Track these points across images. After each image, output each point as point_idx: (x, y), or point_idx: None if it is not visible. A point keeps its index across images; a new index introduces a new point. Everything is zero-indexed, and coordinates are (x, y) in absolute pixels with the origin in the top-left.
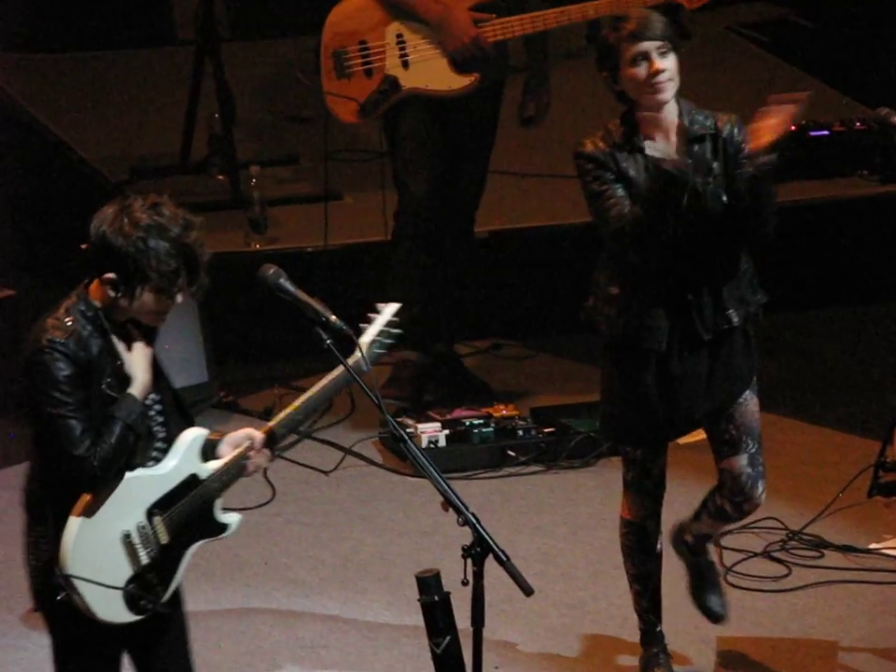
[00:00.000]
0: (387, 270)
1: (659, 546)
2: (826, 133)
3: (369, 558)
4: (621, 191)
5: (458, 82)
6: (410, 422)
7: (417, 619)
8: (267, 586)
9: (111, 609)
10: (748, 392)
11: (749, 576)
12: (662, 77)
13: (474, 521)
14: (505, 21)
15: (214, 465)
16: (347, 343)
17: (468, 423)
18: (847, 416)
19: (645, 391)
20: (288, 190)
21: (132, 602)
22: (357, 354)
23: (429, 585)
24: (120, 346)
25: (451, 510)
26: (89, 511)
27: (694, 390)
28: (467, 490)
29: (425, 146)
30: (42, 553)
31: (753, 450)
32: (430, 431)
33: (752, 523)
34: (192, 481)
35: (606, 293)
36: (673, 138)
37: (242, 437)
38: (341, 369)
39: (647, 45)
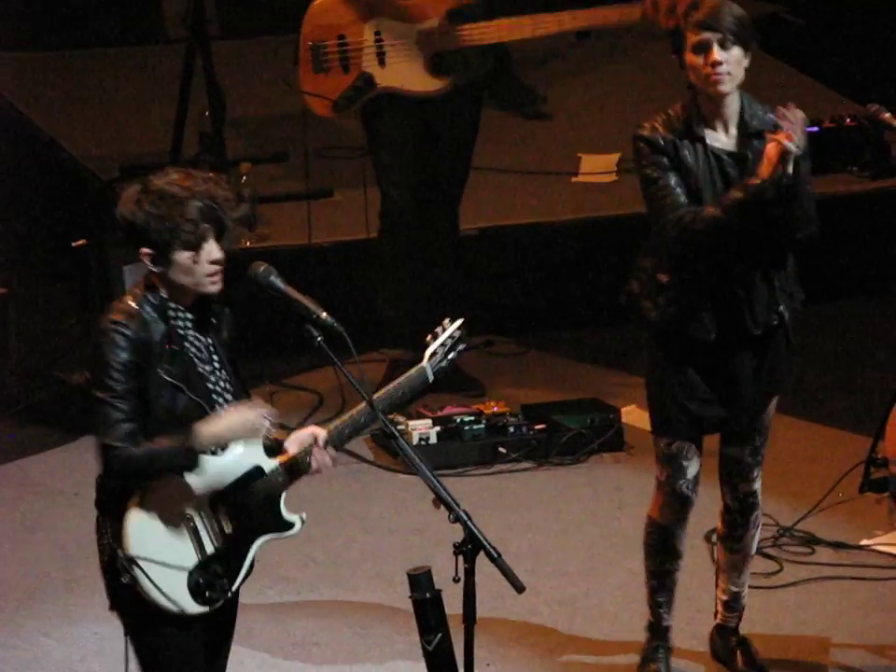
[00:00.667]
0: (374, 268)
1: (683, 549)
2: (816, 129)
3: (360, 555)
4: (675, 180)
5: (433, 84)
6: (401, 419)
7: (409, 616)
8: (258, 584)
9: (176, 596)
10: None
11: None
12: (720, 70)
13: (465, 518)
14: (483, 26)
15: (279, 459)
16: (338, 340)
17: (459, 420)
18: (839, 412)
19: (690, 381)
20: (279, 188)
21: (197, 591)
22: (421, 365)
23: (421, 582)
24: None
25: (442, 507)
26: (153, 494)
27: (744, 383)
28: (458, 487)
29: (404, 152)
30: (106, 546)
31: (759, 443)
32: (421, 428)
33: None
34: (256, 472)
35: (653, 280)
36: (733, 131)
37: (307, 435)
38: (412, 370)
39: (709, 35)
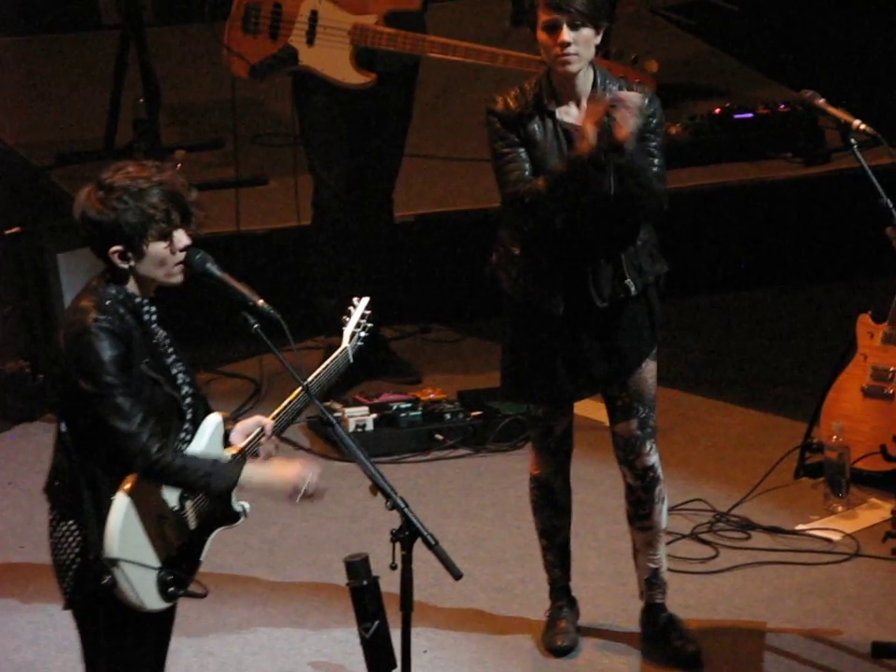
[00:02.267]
0: (309, 257)
1: (567, 504)
2: (750, 115)
3: (296, 543)
4: (523, 155)
5: (354, 77)
6: (337, 406)
7: (346, 603)
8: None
9: (149, 595)
10: (646, 360)
11: (677, 557)
12: (568, 50)
13: (402, 505)
14: (417, 37)
15: (230, 451)
16: (274, 327)
17: (395, 407)
18: (774, 398)
19: (544, 351)
20: (214, 175)
21: (163, 588)
22: (343, 346)
23: (358, 570)
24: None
25: (379, 494)
26: (130, 494)
27: (594, 353)
28: (395, 474)
29: (336, 134)
30: (71, 547)
31: (643, 415)
32: (358, 416)
33: (679, 504)
34: None
35: (508, 252)
36: (585, 105)
37: (252, 424)
38: (337, 352)
39: (558, 15)
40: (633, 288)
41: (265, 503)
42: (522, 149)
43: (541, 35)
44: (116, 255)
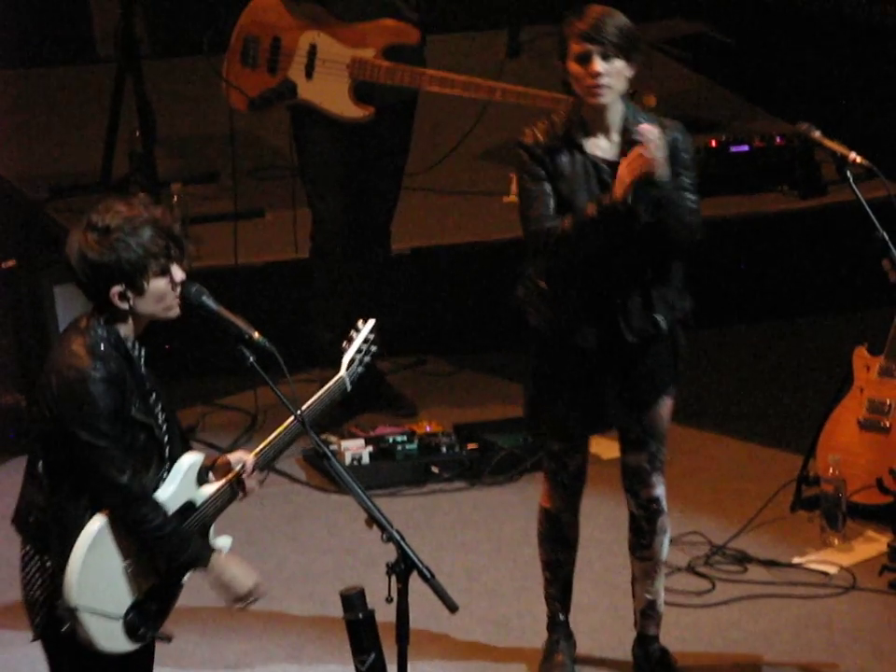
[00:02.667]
0: (307, 290)
1: (574, 539)
2: (746, 148)
3: (292, 576)
4: (548, 190)
5: (353, 111)
6: (333, 439)
7: (342, 636)
8: (190, 604)
9: (112, 638)
10: (664, 397)
11: (673, 591)
12: (599, 81)
13: (398, 538)
14: (416, 70)
15: (208, 490)
16: (270, 359)
17: (391, 439)
18: (770, 431)
19: (569, 386)
20: (210, 208)
21: (131, 631)
22: (339, 375)
23: (354, 603)
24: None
25: (375, 526)
26: (92, 541)
27: (614, 390)
28: (391, 507)
29: (333, 168)
30: (41, 585)
31: (654, 449)
32: (354, 448)
33: (676, 537)
34: (189, 506)
35: (535, 286)
36: (615, 138)
37: (235, 461)
38: (332, 381)
39: (591, 46)
40: (663, 324)
41: (261, 537)
42: (547, 184)
43: (573, 67)
44: (116, 296)
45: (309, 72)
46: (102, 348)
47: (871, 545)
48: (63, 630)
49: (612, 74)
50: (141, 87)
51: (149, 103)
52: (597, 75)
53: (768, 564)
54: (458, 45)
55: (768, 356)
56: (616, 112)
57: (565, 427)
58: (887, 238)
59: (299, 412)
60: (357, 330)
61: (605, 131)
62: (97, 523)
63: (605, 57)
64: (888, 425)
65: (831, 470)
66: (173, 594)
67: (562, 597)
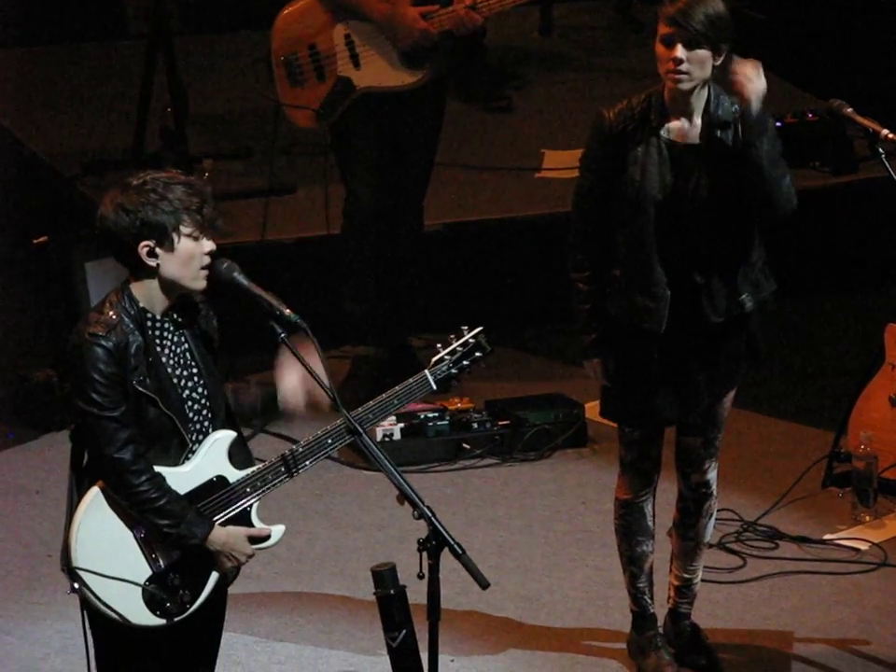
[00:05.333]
0: (338, 266)
1: (654, 527)
2: (778, 124)
3: (324, 552)
4: (601, 173)
5: (411, 77)
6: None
7: (373, 613)
8: None
9: (129, 606)
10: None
11: (705, 567)
12: (680, 67)
13: (430, 514)
14: (450, 10)
15: (248, 470)
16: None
17: (422, 416)
18: (802, 407)
19: (647, 372)
20: (241, 184)
21: (153, 603)
22: (426, 370)
23: (385, 579)
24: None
25: (406, 503)
26: (100, 502)
27: (700, 375)
28: (422, 483)
29: (372, 152)
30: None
31: (712, 435)
32: (385, 425)
33: None
34: (219, 482)
35: (609, 274)
36: (697, 121)
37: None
38: (410, 382)
39: (675, 30)
40: (748, 303)
41: (293, 513)
42: (605, 167)
43: (658, 47)
44: (145, 250)
45: (356, 61)
46: (114, 317)
47: None
48: (68, 592)
49: (694, 61)
50: (173, 63)
51: (181, 79)
52: (678, 61)
53: (799, 540)
54: (490, 22)
55: (799, 332)
56: (699, 98)
57: (646, 414)
58: None
59: (334, 390)
60: (459, 336)
61: (687, 115)
62: (95, 489)
63: (688, 44)
64: None
65: (862, 447)
66: (208, 571)
67: (650, 590)
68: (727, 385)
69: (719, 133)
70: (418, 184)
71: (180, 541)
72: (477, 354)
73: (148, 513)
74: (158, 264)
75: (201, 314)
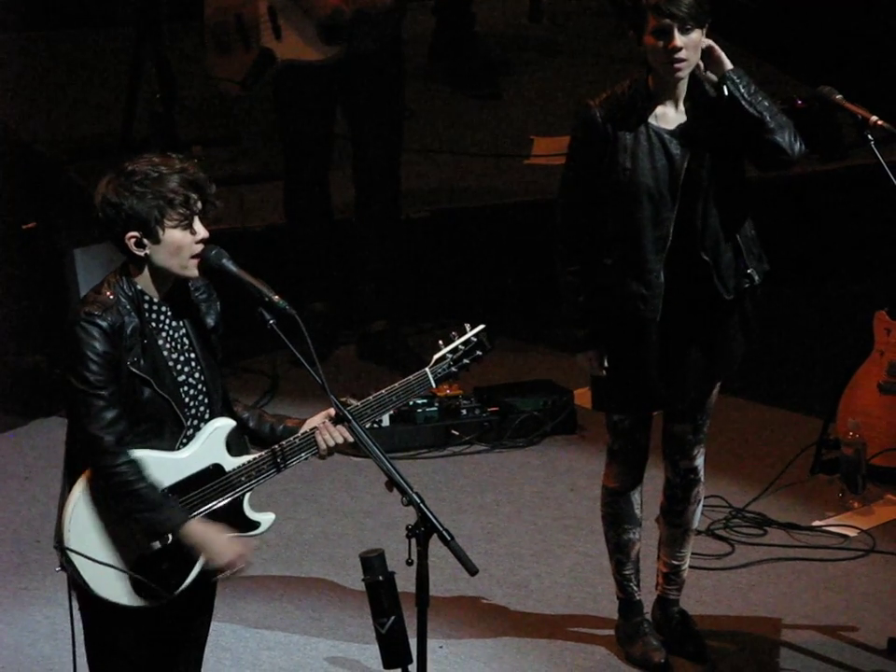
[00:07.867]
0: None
1: (641, 515)
2: None
3: (312, 538)
4: (586, 166)
5: (328, 51)
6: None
7: (362, 599)
8: None
9: (114, 589)
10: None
11: (693, 554)
12: (679, 55)
13: (418, 500)
14: None
15: (243, 459)
16: (290, 324)
17: (411, 402)
18: (790, 394)
19: (642, 360)
20: (230, 170)
21: (139, 586)
22: (426, 368)
23: (374, 565)
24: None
25: (395, 489)
26: (84, 486)
27: (697, 360)
28: (411, 470)
29: (316, 126)
30: None
31: (700, 421)
32: None
33: None
34: (215, 470)
35: (599, 264)
36: (681, 106)
37: (318, 420)
38: (410, 379)
39: (669, 21)
40: (756, 276)
41: (282, 499)
42: (592, 157)
43: (650, 41)
44: (132, 241)
45: (277, 33)
46: (111, 297)
47: (890, 508)
48: (56, 569)
49: (690, 46)
50: (161, 49)
51: (170, 65)
52: (677, 49)
53: (788, 527)
54: (478, 7)
55: (788, 320)
56: (685, 81)
57: (646, 402)
58: None
59: (323, 377)
60: (461, 333)
61: (673, 99)
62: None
63: (683, 31)
64: None
65: (850, 434)
66: (189, 556)
67: (636, 577)
68: (725, 369)
69: (704, 112)
70: (384, 158)
71: (153, 528)
72: (478, 352)
73: (124, 496)
74: (146, 254)
75: (203, 298)
